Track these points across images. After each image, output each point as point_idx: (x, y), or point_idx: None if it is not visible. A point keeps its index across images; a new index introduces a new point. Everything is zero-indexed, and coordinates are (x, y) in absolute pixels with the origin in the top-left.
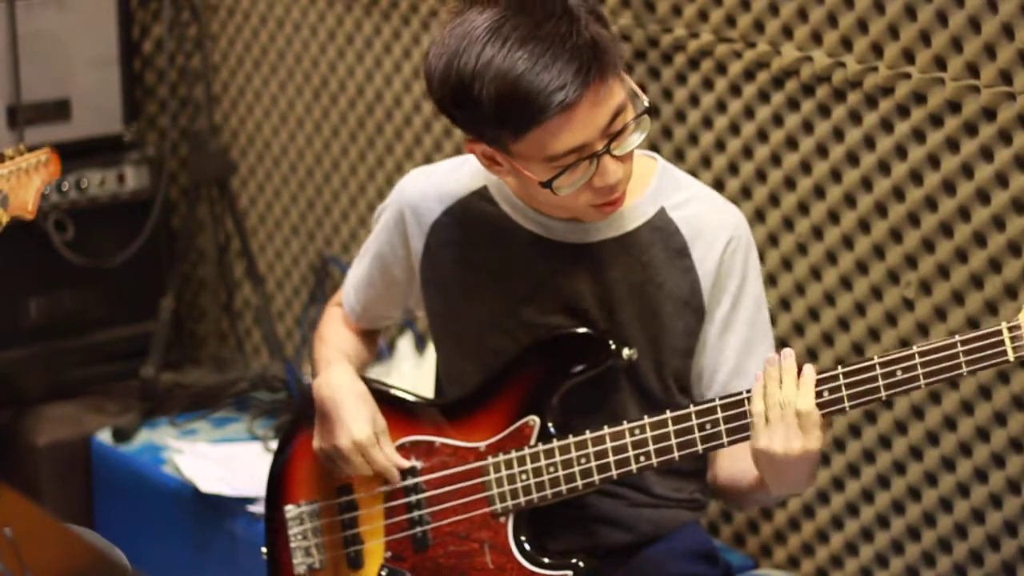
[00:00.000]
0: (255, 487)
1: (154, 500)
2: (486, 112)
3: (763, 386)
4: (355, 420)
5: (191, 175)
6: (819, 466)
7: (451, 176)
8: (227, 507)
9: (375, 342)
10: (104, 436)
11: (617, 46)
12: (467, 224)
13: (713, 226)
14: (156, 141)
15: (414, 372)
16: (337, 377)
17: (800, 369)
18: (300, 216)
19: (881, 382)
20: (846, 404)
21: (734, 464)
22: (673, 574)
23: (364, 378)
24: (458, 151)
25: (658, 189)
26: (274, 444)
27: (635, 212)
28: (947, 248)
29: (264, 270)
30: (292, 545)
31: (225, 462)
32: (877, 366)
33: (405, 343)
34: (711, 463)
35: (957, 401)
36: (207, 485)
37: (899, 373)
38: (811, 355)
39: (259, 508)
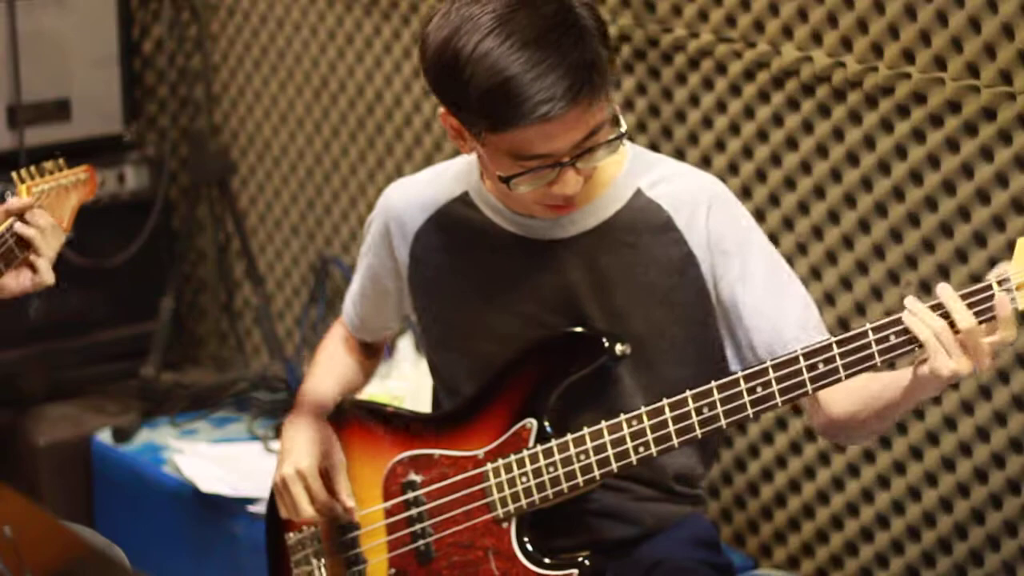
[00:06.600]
0: (255, 487)
1: (154, 500)
2: (470, 98)
3: (920, 319)
4: (299, 451)
5: (191, 175)
6: None
7: (432, 184)
8: (227, 507)
9: (376, 357)
10: (104, 436)
11: (612, 68)
12: (450, 230)
13: (693, 193)
14: (156, 141)
15: (414, 372)
16: (300, 422)
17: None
18: (300, 216)
19: (875, 348)
20: (842, 374)
21: (849, 397)
22: (678, 558)
23: (358, 400)
24: (458, 151)
25: (630, 172)
26: (274, 444)
27: (612, 198)
28: (947, 248)
29: (264, 270)
30: (295, 572)
31: (225, 462)
32: (870, 332)
33: (405, 343)
34: (817, 409)
35: (957, 401)
36: (207, 485)
37: (892, 338)
38: None
39: (259, 508)
